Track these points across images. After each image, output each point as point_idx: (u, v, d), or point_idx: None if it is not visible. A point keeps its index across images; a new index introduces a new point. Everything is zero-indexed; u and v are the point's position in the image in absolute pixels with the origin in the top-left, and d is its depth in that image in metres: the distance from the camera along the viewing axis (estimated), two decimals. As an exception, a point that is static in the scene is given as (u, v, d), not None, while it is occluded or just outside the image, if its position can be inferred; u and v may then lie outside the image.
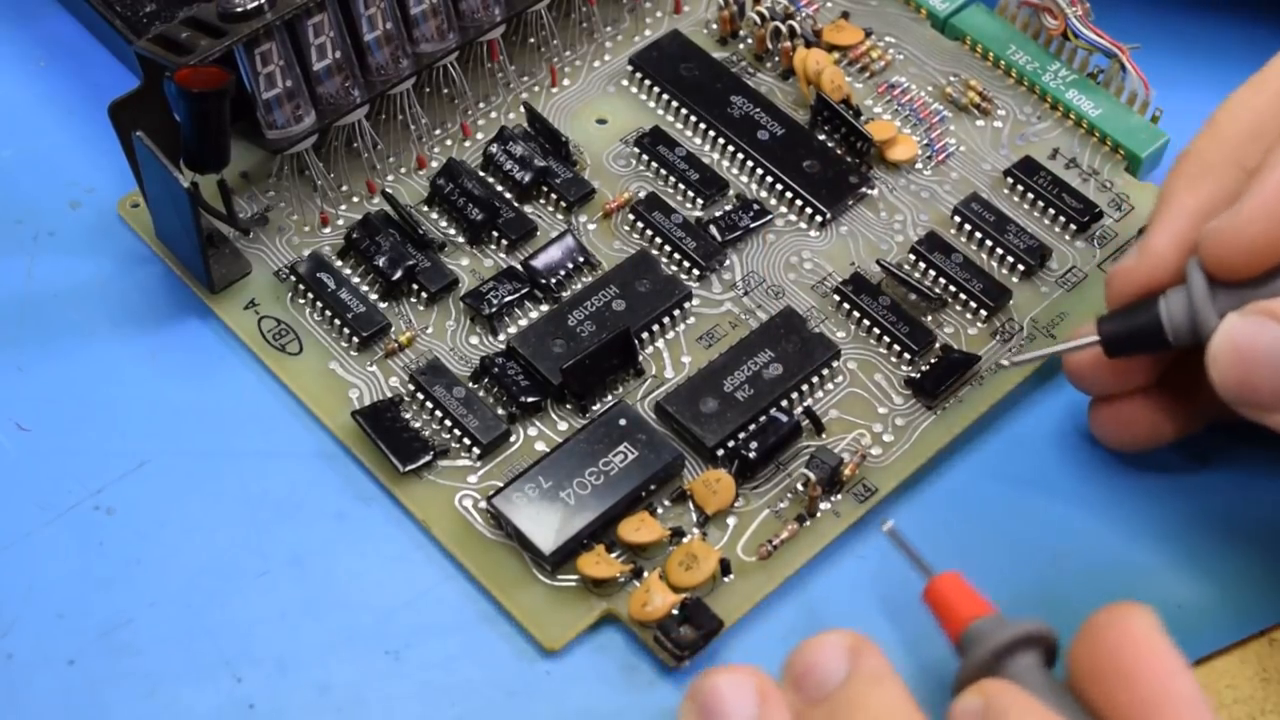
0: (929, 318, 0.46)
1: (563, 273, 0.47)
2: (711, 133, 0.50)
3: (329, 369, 0.45)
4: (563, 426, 0.44)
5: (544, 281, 0.47)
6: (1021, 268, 0.47)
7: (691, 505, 0.43)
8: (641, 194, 0.49)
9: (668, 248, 0.48)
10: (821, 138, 0.50)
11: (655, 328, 0.46)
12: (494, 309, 0.46)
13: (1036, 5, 0.51)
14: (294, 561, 0.42)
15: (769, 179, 0.49)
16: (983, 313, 0.47)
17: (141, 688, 0.40)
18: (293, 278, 0.47)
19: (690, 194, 0.49)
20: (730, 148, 0.50)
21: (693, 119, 0.50)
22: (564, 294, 0.47)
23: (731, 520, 0.43)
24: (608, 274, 0.47)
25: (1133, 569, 0.43)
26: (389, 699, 0.40)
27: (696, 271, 0.47)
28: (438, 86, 0.50)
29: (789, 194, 0.49)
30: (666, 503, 0.43)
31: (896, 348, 0.46)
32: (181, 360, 0.46)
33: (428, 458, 0.43)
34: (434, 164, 0.49)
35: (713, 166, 0.49)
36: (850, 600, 0.42)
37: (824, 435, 0.44)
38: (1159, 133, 0.50)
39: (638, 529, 0.42)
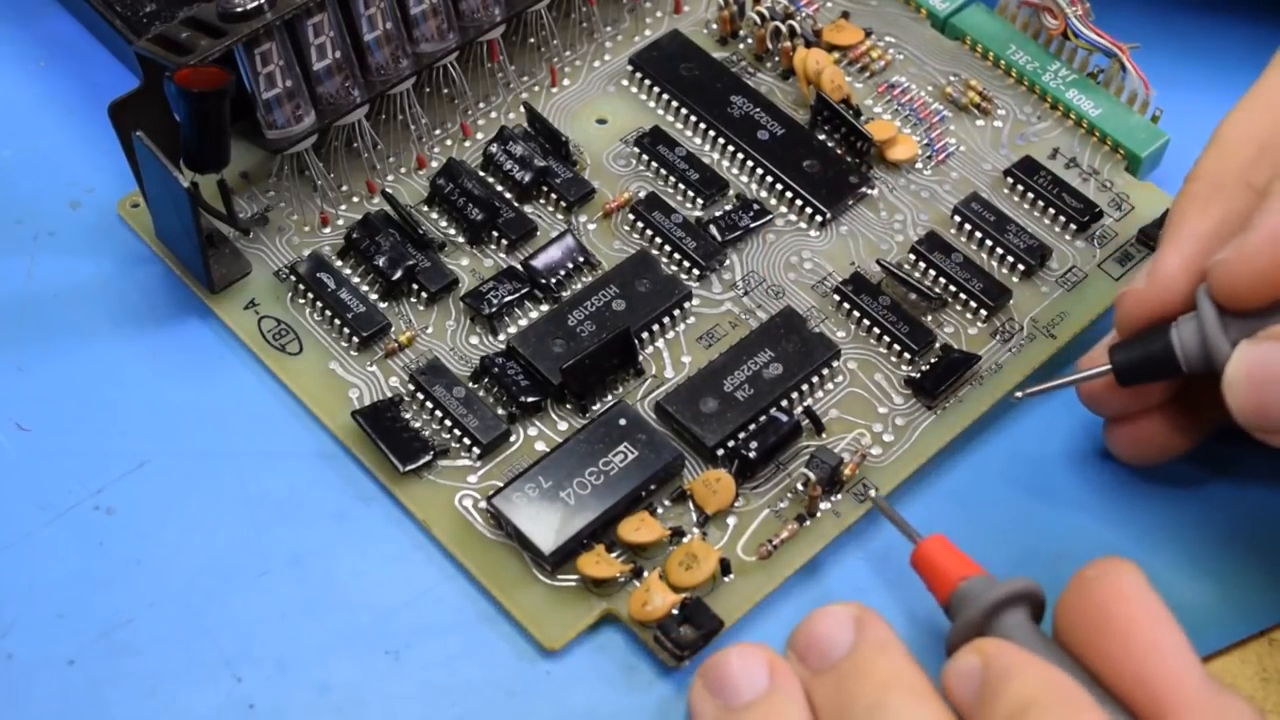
0: (929, 317, 0.46)
1: (563, 273, 0.47)
2: (711, 133, 0.50)
3: (329, 369, 0.45)
4: (563, 426, 0.44)
5: (544, 281, 0.47)
6: (1021, 267, 0.47)
7: (691, 505, 0.43)
8: (641, 194, 0.49)
9: (668, 248, 0.48)
10: (821, 138, 0.50)
11: (655, 328, 0.46)
12: (494, 309, 0.46)
13: (1036, 5, 0.51)
14: (294, 561, 0.42)
15: (769, 179, 0.49)
16: (983, 312, 0.47)
17: (141, 688, 0.40)
18: (293, 278, 0.47)
19: (690, 194, 0.49)
20: (730, 148, 0.50)
21: (693, 119, 0.50)
22: (564, 294, 0.47)
23: (731, 520, 0.43)
24: (608, 274, 0.47)
25: (1133, 569, 0.43)
26: (389, 699, 0.40)
27: (696, 271, 0.47)
28: (438, 86, 0.50)
29: (789, 194, 0.49)
30: (666, 503, 0.43)
31: (896, 347, 0.46)
32: (181, 360, 0.46)
33: (428, 458, 0.43)
34: (434, 164, 0.49)
35: (713, 166, 0.49)
36: (851, 599, 0.42)
37: (824, 435, 0.44)
38: (1159, 133, 0.50)
39: (638, 529, 0.42)
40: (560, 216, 0.48)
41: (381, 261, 0.46)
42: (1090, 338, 0.45)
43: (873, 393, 0.45)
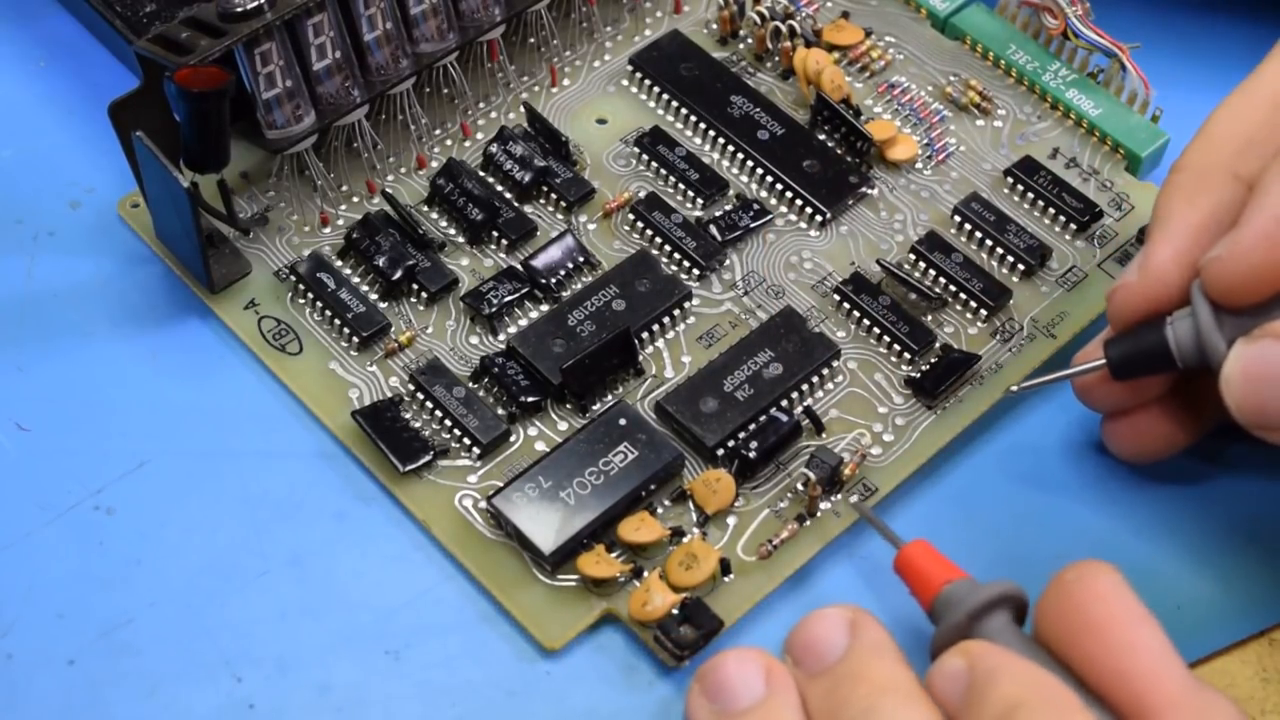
0: (929, 317, 0.46)
1: (563, 273, 0.47)
2: (711, 133, 0.50)
3: (329, 369, 0.45)
4: (563, 426, 0.44)
5: (544, 281, 0.47)
6: (1022, 267, 0.47)
7: (691, 505, 0.43)
8: (641, 194, 0.49)
9: (668, 247, 0.48)
10: (821, 138, 0.50)
11: (655, 327, 0.46)
12: (494, 309, 0.46)
13: (1036, 5, 0.51)
14: (294, 561, 0.42)
15: (769, 179, 0.49)
16: (983, 312, 0.47)
17: (141, 688, 0.40)
18: (293, 278, 0.47)
19: (690, 194, 0.49)
20: (730, 147, 0.50)
21: (693, 119, 0.50)
22: (564, 294, 0.47)
23: (731, 520, 0.43)
24: (608, 274, 0.47)
25: (1133, 569, 0.42)
26: (389, 699, 0.40)
27: (696, 271, 0.47)
28: (438, 86, 0.50)
29: (789, 194, 0.49)
30: (666, 502, 0.43)
31: (896, 347, 0.46)
32: (181, 360, 0.46)
33: (428, 458, 0.43)
34: (434, 164, 0.49)
35: (713, 166, 0.49)
36: (850, 600, 0.42)
37: (824, 435, 0.44)
38: (1159, 132, 0.50)
39: (638, 529, 0.42)
40: (560, 216, 0.48)
41: (381, 261, 0.46)
42: (1090, 338, 0.45)
43: (873, 393, 0.45)
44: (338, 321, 0.46)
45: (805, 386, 0.45)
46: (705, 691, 0.37)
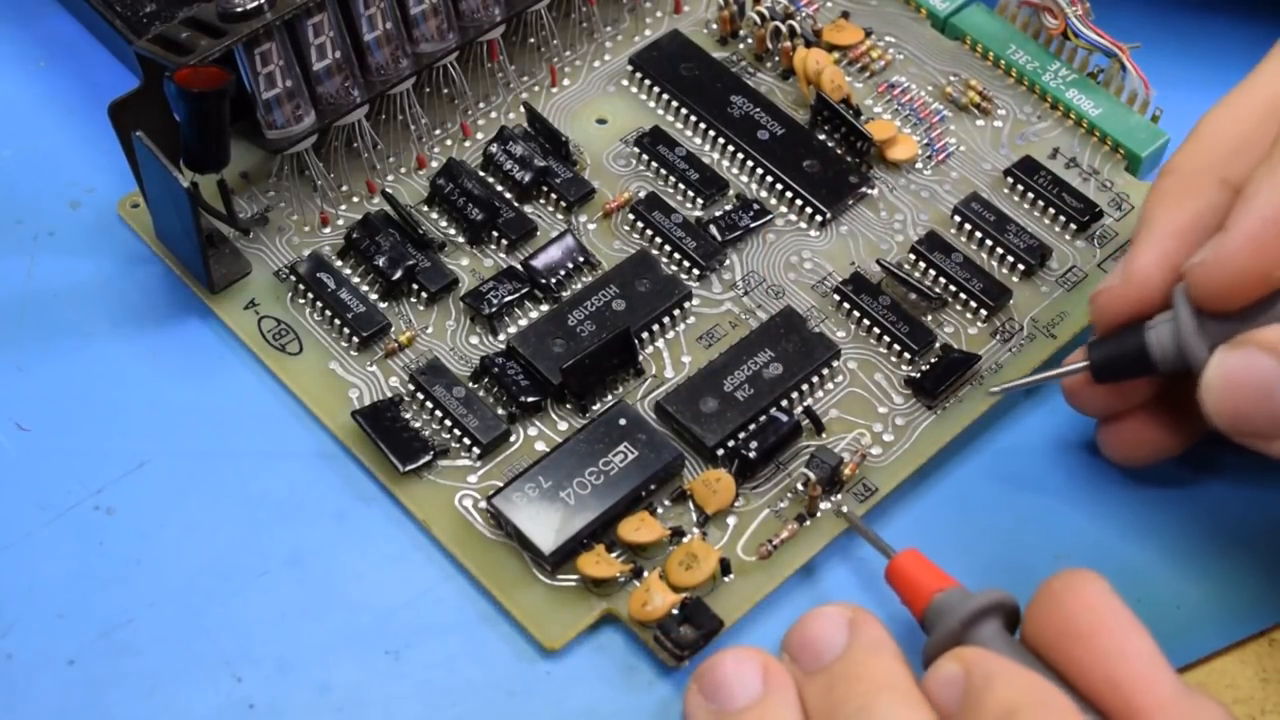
0: (929, 317, 0.46)
1: (563, 273, 0.47)
2: (711, 133, 0.50)
3: (329, 369, 0.45)
4: (563, 426, 0.44)
5: (544, 281, 0.47)
6: (1022, 267, 0.47)
7: (691, 505, 0.43)
8: (641, 194, 0.49)
9: (668, 247, 0.48)
10: (821, 138, 0.50)
11: (655, 327, 0.46)
12: (494, 309, 0.46)
13: (1036, 5, 0.51)
14: (294, 561, 0.42)
15: (769, 179, 0.49)
16: (983, 312, 0.47)
17: (141, 688, 0.40)
18: (293, 278, 0.47)
19: (690, 194, 0.49)
20: (730, 148, 0.50)
21: (693, 119, 0.50)
22: (564, 294, 0.47)
23: (731, 520, 0.43)
24: (608, 274, 0.47)
25: (1133, 569, 0.43)
26: (389, 699, 0.40)
27: (696, 271, 0.47)
28: (438, 86, 0.50)
29: (789, 194, 0.49)
30: (666, 502, 0.43)
31: (896, 347, 0.46)
32: (181, 360, 0.46)
33: (428, 458, 0.43)
34: (434, 164, 0.49)
35: (713, 166, 0.49)
36: (849, 600, 0.42)
37: (824, 435, 0.44)
38: (1159, 132, 0.50)
39: (638, 529, 0.42)
40: (560, 216, 0.48)
41: (381, 261, 0.46)
42: (1089, 338, 0.45)
43: (873, 393, 0.45)
44: (338, 321, 0.46)
45: (805, 386, 0.45)
46: (703, 691, 0.37)
